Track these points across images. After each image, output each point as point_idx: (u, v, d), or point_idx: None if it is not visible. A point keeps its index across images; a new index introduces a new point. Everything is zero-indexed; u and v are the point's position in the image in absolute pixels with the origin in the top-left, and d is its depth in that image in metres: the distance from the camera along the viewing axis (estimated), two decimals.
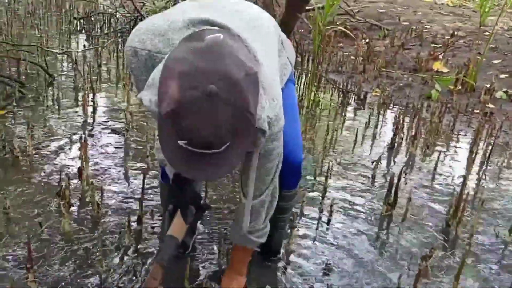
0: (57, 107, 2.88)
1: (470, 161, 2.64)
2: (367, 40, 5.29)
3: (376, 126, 3.14)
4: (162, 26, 1.13)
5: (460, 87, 3.78)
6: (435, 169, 2.52)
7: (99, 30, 5.38)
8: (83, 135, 2.43)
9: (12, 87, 2.95)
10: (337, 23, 6.05)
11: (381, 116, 3.35)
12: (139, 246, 1.65)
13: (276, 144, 1.20)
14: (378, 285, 1.60)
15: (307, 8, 5.58)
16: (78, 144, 2.35)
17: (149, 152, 2.32)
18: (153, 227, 1.76)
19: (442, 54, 4.53)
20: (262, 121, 0.99)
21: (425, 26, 5.79)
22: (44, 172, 2.08)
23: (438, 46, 4.88)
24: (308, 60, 4.79)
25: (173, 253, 1.25)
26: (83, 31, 5.33)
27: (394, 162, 2.64)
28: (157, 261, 1.21)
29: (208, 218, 1.86)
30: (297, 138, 1.46)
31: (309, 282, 1.58)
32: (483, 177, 2.52)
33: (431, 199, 2.23)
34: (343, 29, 4.32)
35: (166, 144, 0.93)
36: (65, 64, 3.89)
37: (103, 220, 1.78)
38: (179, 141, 0.88)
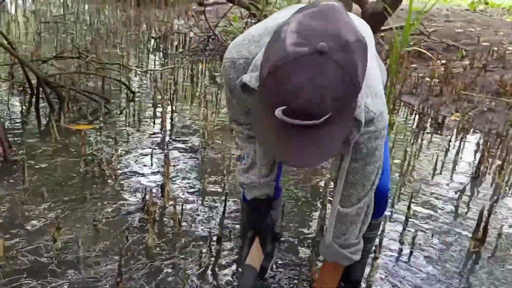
0: (138, 123, 3.01)
1: None
2: (443, 61, 5.08)
3: (457, 153, 2.98)
4: (257, 33, 1.13)
5: None
6: None
7: (174, 49, 5.61)
8: (166, 152, 2.52)
9: (98, 103, 3.13)
10: (411, 43, 5.88)
11: (461, 143, 3.18)
12: (218, 266, 1.66)
13: (379, 143, 1.11)
14: None
15: (382, 28, 5.50)
16: (158, 160, 2.43)
17: (225, 171, 2.35)
18: (232, 249, 1.77)
19: None
20: (360, 110, 0.92)
21: (508, 48, 5.47)
22: (129, 187, 2.17)
23: None
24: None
25: (252, 283, 1.24)
26: (160, 50, 5.58)
27: (479, 193, 2.48)
28: None
29: (286, 245, 1.84)
30: (387, 169, 1.41)
31: None
32: None
33: None
34: (418, 49, 4.17)
35: (261, 121, 0.88)
36: (144, 81, 4.08)
37: (183, 238, 1.81)
38: (276, 111, 0.81)
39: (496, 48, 5.42)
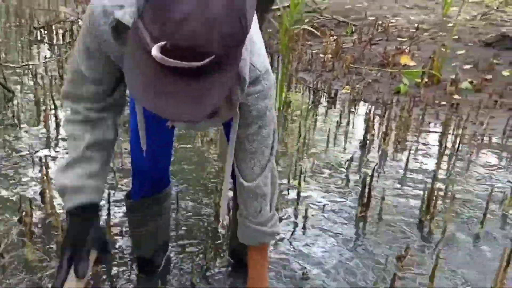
0: (17, 124, 2.76)
1: (440, 155, 2.66)
2: (335, 37, 5.30)
3: (348, 124, 3.14)
4: None
5: (427, 80, 3.83)
6: (406, 165, 2.52)
7: (61, 40, 5.22)
8: (44, 155, 2.33)
9: None
10: (305, 20, 6.06)
11: (352, 114, 3.35)
12: (111, 270, 1.58)
13: (269, 104, 1.07)
14: None
15: (273, 8, 5.57)
16: (39, 163, 2.25)
17: (115, 168, 2.25)
18: (119, 250, 1.69)
19: (408, 48, 4.58)
20: (244, 65, 0.90)
21: (391, 20, 5.85)
22: (5, 197, 1.98)
23: (404, 40, 4.93)
24: (278, 61, 4.77)
25: None
26: (44, 41, 5.17)
27: (367, 160, 2.64)
28: None
29: (183, 233, 1.81)
30: None
31: None
32: (453, 170, 2.54)
33: (404, 196, 2.23)
34: (309, 28, 4.30)
35: (134, 71, 0.78)
36: (25, 77, 3.74)
37: None
38: (153, 48, 0.73)
39: (380, 22, 5.76)
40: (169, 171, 1.46)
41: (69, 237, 1.03)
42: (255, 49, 1.00)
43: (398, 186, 2.33)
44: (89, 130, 1.07)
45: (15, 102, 3.13)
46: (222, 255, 1.70)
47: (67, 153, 1.12)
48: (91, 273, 1.06)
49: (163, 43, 0.73)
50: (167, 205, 1.49)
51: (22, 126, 2.75)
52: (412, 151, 2.65)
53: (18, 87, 3.48)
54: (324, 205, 2.10)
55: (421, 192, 2.15)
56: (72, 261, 1.00)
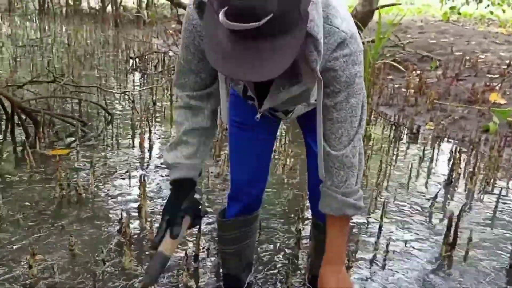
0: (116, 145, 3.03)
1: None
2: (418, 72, 5.22)
3: (431, 161, 3.06)
4: None
5: None
6: (496, 206, 2.40)
7: (153, 69, 5.65)
8: (141, 173, 2.54)
9: (75, 126, 3.13)
10: (387, 55, 6.03)
11: (435, 150, 3.26)
12: (198, 285, 1.67)
13: (358, 70, 1.03)
14: None
15: None
16: (136, 181, 2.45)
17: (203, 189, 2.38)
18: (210, 267, 1.79)
19: (499, 85, 4.38)
20: (314, 25, 0.89)
21: (480, 56, 5.65)
22: (106, 210, 2.18)
23: (494, 76, 4.73)
24: None
25: (159, 271, 1.13)
26: (138, 70, 5.62)
27: (452, 199, 2.55)
28: (144, 280, 1.13)
29: (265, 259, 1.87)
30: None
31: None
32: None
33: (493, 239, 2.12)
34: (389, 62, 4.29)
35: (210, 38, 0.84)
36: (123, 102, 4.10)
37: None
38: (220, 14, 0.78)
39: (468, 57, 5.58)
40: (263, 194, 1.52)
41: (167, 204, 1.17)
42: (338, 14, 0.99)
43: (487, 228, 2.22)
44: (188, 117, 1.19)
45: (114, 124, 3.43)
46: (301, 281, 1.72)
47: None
48: (184, 235, 1.19)
49: (226, 7, 0.78)
50: (255, 227, 1.56)
51: (120, 147, 3.01)
52: (502, 193, 2.52)
53: (117, 111, 3.81)
54: (406, 242, 2.06)
55: (511, 236, 2.04)
56: (169, 223, 1.13)
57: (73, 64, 5.33)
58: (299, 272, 1.79)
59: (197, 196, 1.18)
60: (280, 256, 1.90)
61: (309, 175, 1.46)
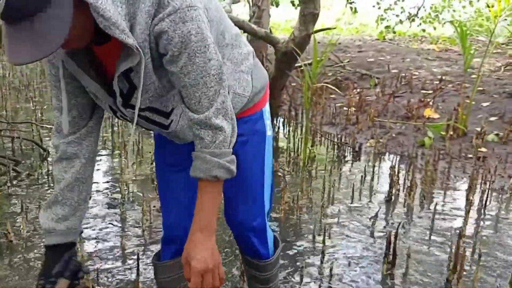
0: (51, 182, 2.89)
1: (467, 210, 2.61)
2: (358, 90, 5.40)
3: (372, 178, 3.14)
4: None
5: (452, 133, 3.82)
6: (432, 221, 2.49)
7: None
8: None
9: (6, 166, 2.97)
10: (329, 74, 6.21)
11: (376, 168, 3.36)
12: None
13: (192, 27, 0.94)
14: None
15: (296, 65, 5.77)
16: None
17: (145, 226, 2.31)
18: None
19: (432, 100, 4.61)
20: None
21: (414, 73, 5.93)
22: (40, 257, 2.05)
23: (428, 92, 4.97)
24: (302, 114, 4.88)
25: None
26: None
27: (392, 215, 2.62)
28: None
29: None
30: (251, 201, 1.34)
31: None
32: (482, 225, 2.49)
33: (431, 254, 2.19)
34: (329, 86, 4.43)
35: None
36: None
37: None
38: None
39: (404, 74, 5.85)
40: None
41: (42, 269, 1.15)
42: None
43: (424, 244, 2.29)
44: (66, 170, 1.15)
45: (49, 160, 3.28)
46: None
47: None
48: None
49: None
50: None
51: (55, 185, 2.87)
52: (438, 207, 2.62)
53: (52, 146, 3.65)
54: (349, 263, 2.09)
55: (448, 250, 2.11)
56: None
57: (8, 97, 5.10)
58: None
59: (74, 257, 1.16)
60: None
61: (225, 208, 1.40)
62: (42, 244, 2.15)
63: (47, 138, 3.80)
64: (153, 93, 1.05)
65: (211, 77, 1.01)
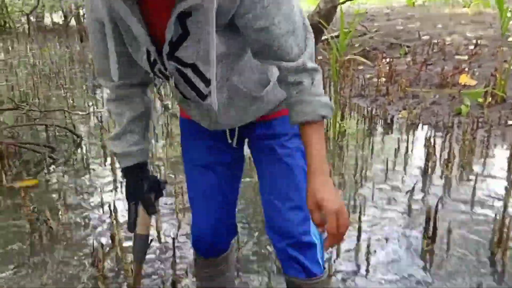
0: (86, 168, 2.94)
1: (510, 180, 2.51)
2: (388, 60, 5.23)
3: (406, 151, 3.05)
4: None
5: (490, 100, 3.65)
6: (473, 193, 2.40)
7: None
8: (113, 199, 2.45)
9: (42, 153, 3.03)
10: (355, 45, 6.04)
11: (410, 140, 3.25)
12: None
13: None
14: None
15: (323, 38, 5.62)
16: (109, 207, 2.37)
17: (178, 209, 2.32)
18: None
19: (468, 66, 4.41)
20: None
21: (446, 39, 5.69)
22: (79, 242, 2.09)
23: (462, 58, 4.76)
24: (330, 87, 4.77)
25: (144, 251, 1.27)
26: None
27: (430, 189, 2.54)
28: (136, 264, 1.27)
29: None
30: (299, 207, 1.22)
31: None
32: None
33: (473, 228, 2.11)
34: (355, 57, 4.28)
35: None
36: (91, 123, 3.99)
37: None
38: None
39: (436, 41, 5.62)
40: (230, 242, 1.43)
41: (128, 190, 1.24)
42: None
43: (466, 217, 2.22)
44: (126, 107, 1.20)
45: (83, 146, 3.34)
46: None
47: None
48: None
49: None
50: (225, 267, 1.45)
51: (90, 170, 2.92)
52: (479, 178, 2.53)
53: (85, 132, 3.71)
54: (387, 239, 2.04)
55: (492, 223, 2.03)
56: (136, 205, 1.21)
57: (39, 86, 5.20)
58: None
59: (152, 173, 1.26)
60: (262, 271, 1.85)
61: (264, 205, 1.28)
62: (82, 227, 2.19)
63: (80, 125, 3.86)
64: (203, 48, 1.00)
65: (299, 23, 1.02)
